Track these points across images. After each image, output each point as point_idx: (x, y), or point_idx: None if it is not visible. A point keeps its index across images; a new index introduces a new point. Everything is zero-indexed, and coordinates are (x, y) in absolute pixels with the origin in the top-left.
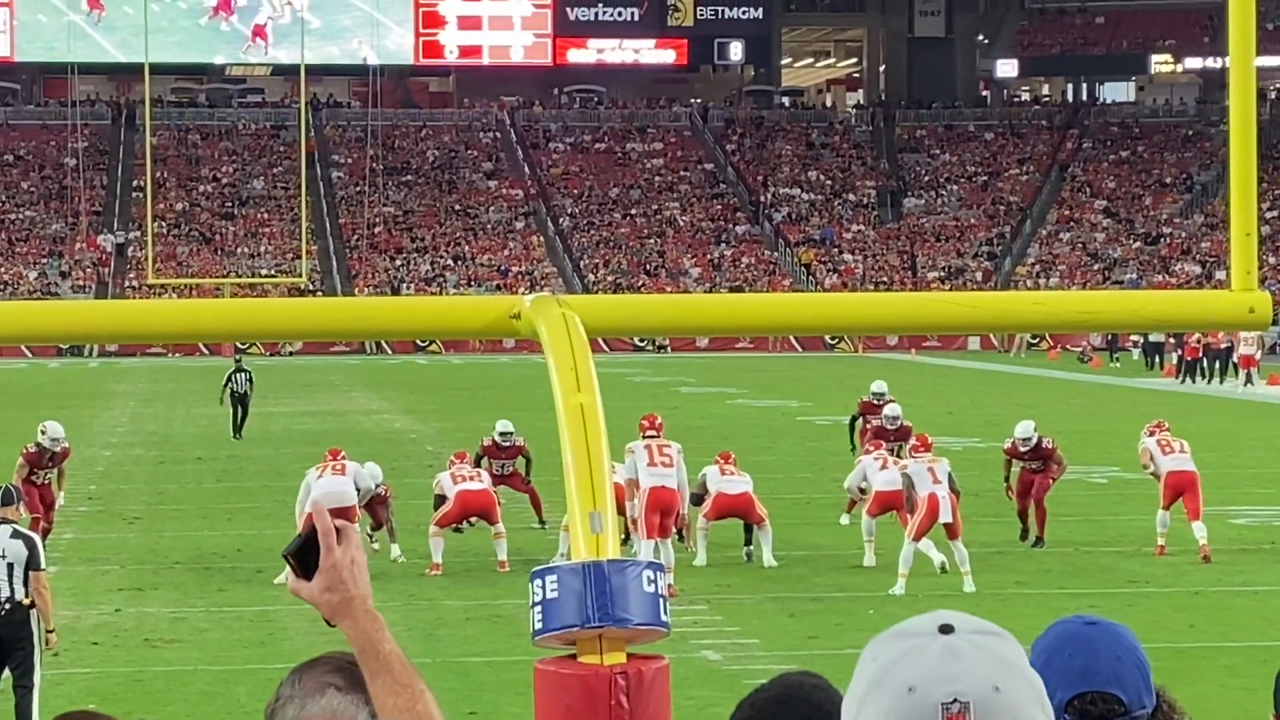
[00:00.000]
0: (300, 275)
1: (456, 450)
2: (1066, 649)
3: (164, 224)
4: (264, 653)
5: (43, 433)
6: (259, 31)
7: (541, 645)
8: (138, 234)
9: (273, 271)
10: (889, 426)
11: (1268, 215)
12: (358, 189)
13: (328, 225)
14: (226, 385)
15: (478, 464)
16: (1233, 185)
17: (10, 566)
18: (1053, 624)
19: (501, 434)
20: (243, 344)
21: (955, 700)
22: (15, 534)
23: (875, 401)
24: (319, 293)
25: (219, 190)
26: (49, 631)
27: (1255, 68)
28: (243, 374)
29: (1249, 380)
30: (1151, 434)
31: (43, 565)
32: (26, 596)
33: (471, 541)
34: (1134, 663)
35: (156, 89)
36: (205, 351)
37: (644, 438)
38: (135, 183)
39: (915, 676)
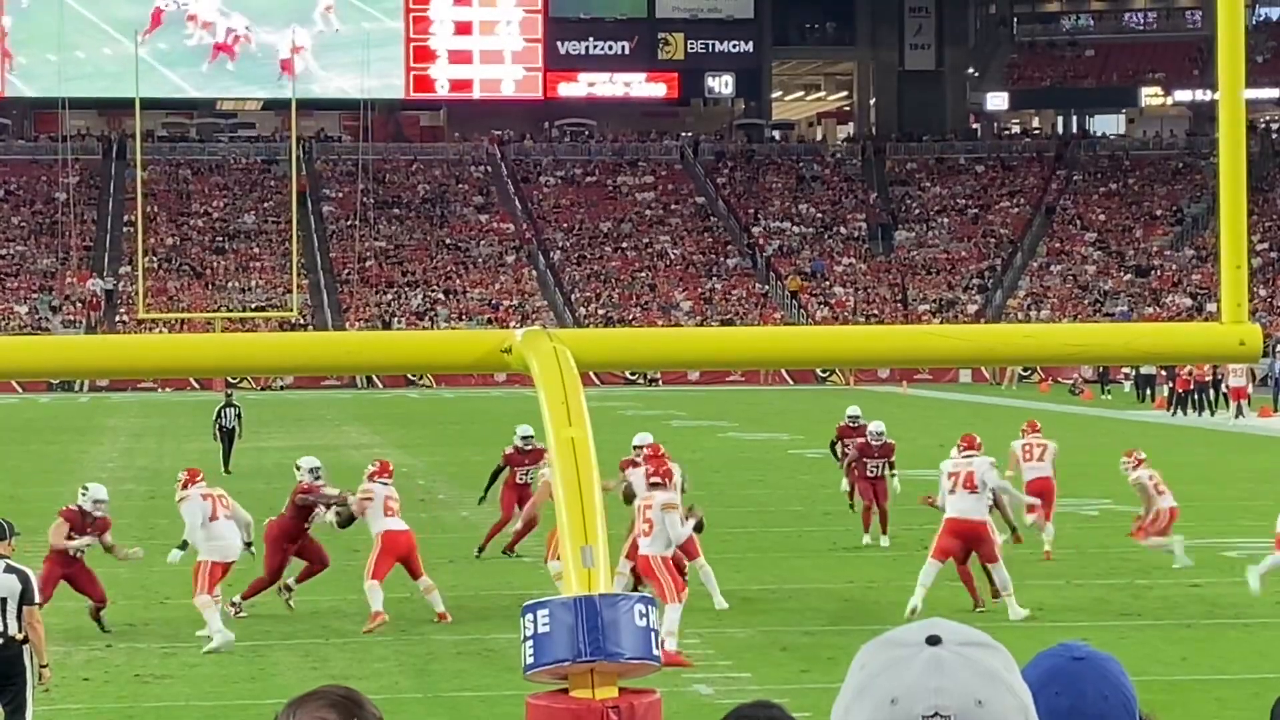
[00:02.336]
0: (291, 309)
1: (380, 459)
2: (1053, 686)
3: (155, 258)
4: (255, 688)
5: (84, 492)
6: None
7: (533, 680)
8: (129, 273)
9: (264, 306)
10: (873, 443)
11: (1258, 248)
12: (349, 223)
13: (319, 259)
14: (217, 420)
15: (495, 475)
16: (1223, 219)
17: (4, 601)
18: (1040, 655)
19: (523, 438)
20: (233, 378)
21: (936, 713)
22: (9, 569)
23: (851, 425)
24: (310, 327)
25: (210, 225)
26: (42, 666)
27: (1245, 100)
28: (231, 409)
29: (1240, 412)
30: (1022, 435)
31: (36, 600)
32: (20, 631)
33: (461, 575)
34: (1120, 701)
35: (147, 123)
36: (196, 386)
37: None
38: (126, 217)
39: (899, 687)
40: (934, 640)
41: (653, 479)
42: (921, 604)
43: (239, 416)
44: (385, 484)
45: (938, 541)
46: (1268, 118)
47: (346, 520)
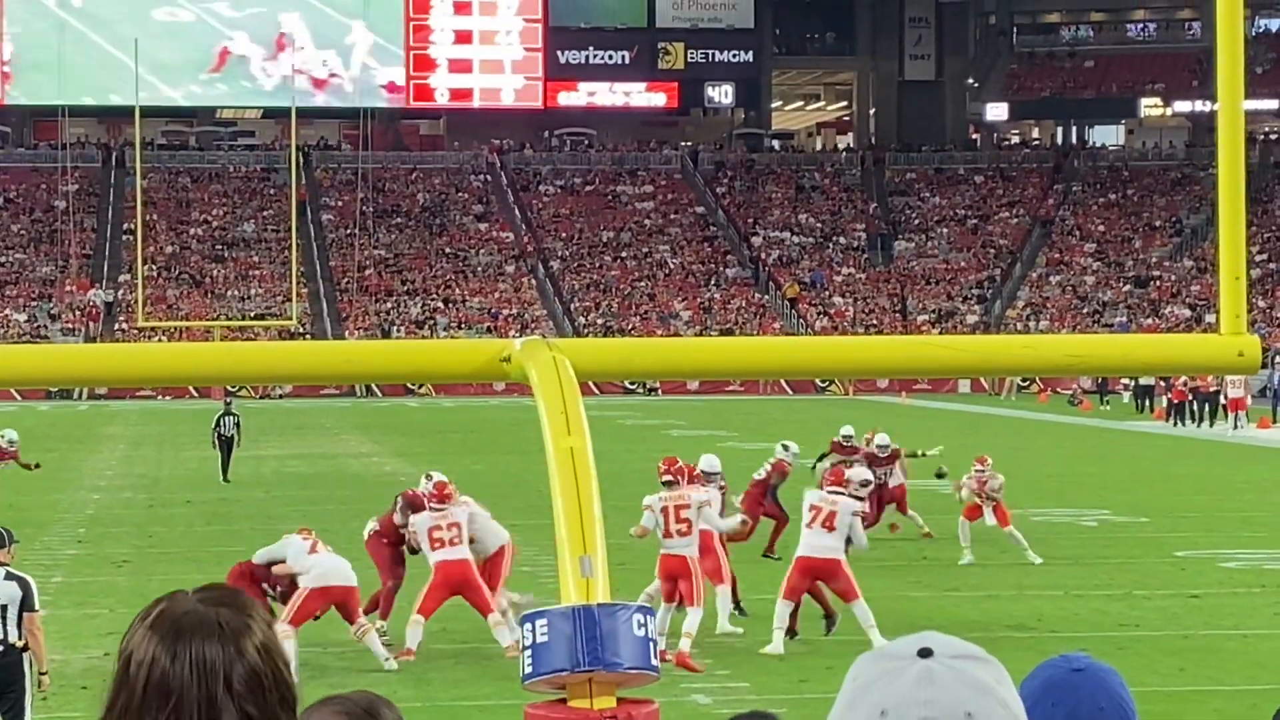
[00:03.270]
0: (290, 318)
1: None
2: (1050, 697)
3: (154, 267)
4: None
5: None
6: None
7: (532, 689)
8: (128, 281)
9: (263, 314)
10: (880, 455)
11: (1257, 259)
12: (348, 232)
13: (318, 268)
14: (215, 428)
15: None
16: (1222, 230)
17: (4, 608)
18: (1040, 665)
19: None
20: (232, 387)
21: None
22: (9, 576)
23: (844, 443)
24: (309, 336)
25: (209, 233)
26: (42, 674)
27: (1244, 111)
28: (230, 417)
29: (1238, 424)
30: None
31: (37, 607)
32: (20, 639)
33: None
34: (1117, 713)
35: (147, 132)
36: (195, 394)
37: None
38: (125, 226)
39: (889, 700)
40: (926, 653)
41: (665, 478)
42: (783, 648)
43: (238, 425)
44: (439, 509)
45: (786, 581)
46: (1267, 129)
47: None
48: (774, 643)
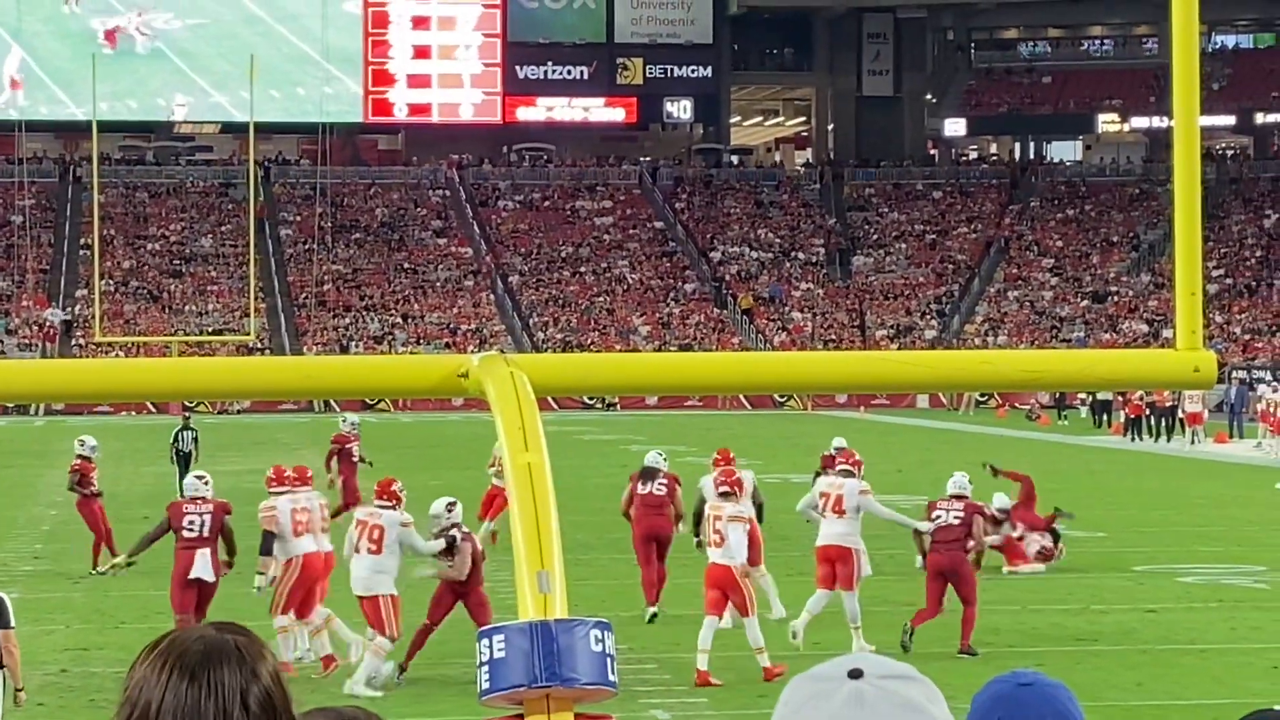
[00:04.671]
0: (248, 333)
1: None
2: (997, 710)
3: (111, 282)
4: None
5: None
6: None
7: (489, 705)
8: (85, 297)
9: (221, 330)
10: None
11: (1214, 274)
12: (306, 247)
13: (276, 283)
14: (174, 444)
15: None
16: (1178, 245)
17: None
18: (989, 681)
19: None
20: (190, 402)
21: None
22: None
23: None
24: (267, 351)
25: (167, 248)
26: (18, 690)
27: (1200, 127)
28: (189, 432)
29: (1195, 438)
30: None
31: (12, 624)
32: None
33: (417, 601)
34: None
35: (104, 146)
36: (153, 410)
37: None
38: (83, 240)
39: None
40: (856, 674)
41: (722, 488)
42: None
43: (196, 440)
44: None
45: (817, 572)
46: (1224, 145)
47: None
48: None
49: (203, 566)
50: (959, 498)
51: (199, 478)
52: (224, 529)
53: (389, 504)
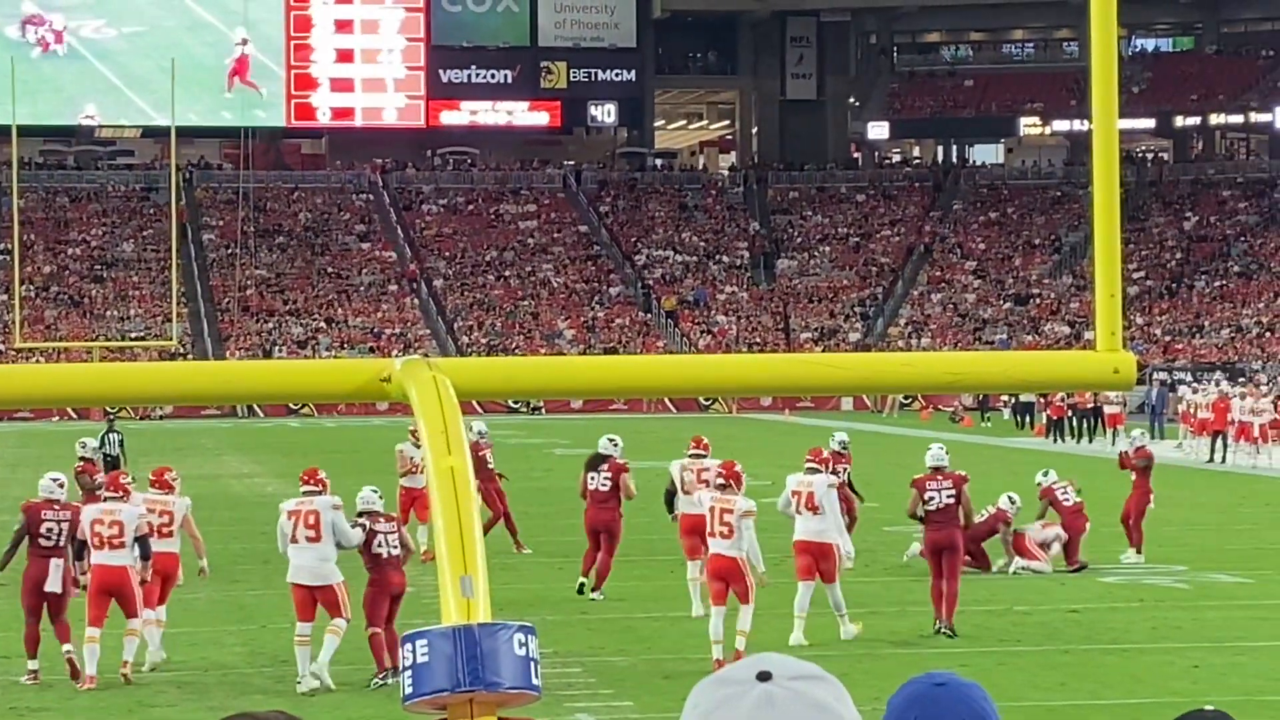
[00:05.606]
0: (171, 339)
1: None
2: (912, 711)
3: (32, 287)
4: None
5: None
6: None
7: (412, 710)
8: (5, 303)
9: (143, 335)
10: (841, 451)
11: (1134, 276)
12: (229, 251)
13: (199, 288)
14: (100, 447)
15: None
16: (1097, 248)
17: None
18: (905, 683)
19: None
20: (112, 408)
21: None
22: None
23: (841, 452)
24: (189, 356)
25: (88, 253)
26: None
27: (1119, 130)
28: (114, 435)
29: (1117, 439)
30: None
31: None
32: None
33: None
34: None
35: (24, 151)
36: (74, 415)
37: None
38: (2, 246)
39: None
40: (764, 676)
41: (720, 480)
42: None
43: (122, 444)
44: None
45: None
46: (1144, 148)
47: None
48: (794, 632)
49: (55, 579)
50: (943, 471)
51: (54, 479)
52: (74, 536)
53: (317, 489)
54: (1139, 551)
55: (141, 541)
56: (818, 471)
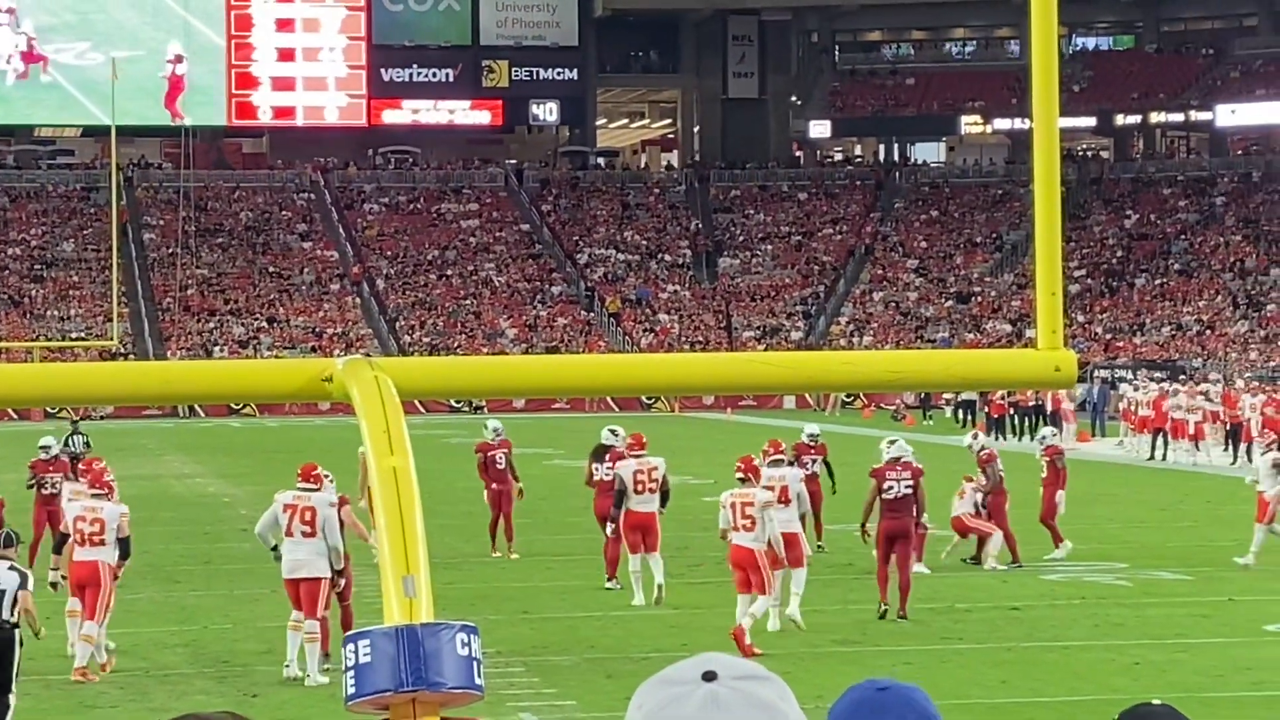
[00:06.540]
0: (111, 338)
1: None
2: (859, 716)
3: None
4: None
5: None
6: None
7: (355, 710)
8: None
9: (83, 335)
10: (809, 443)
11: (1075, 274)
12: (170, 251)
13: (139, 288)
14: (66, 448)
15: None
16: (1038, 245)
17: (3, 593)
18: (847, 689)
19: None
20: (52, 408)
21: None
22: (11, 568)
23: (810, 444)
24: (130, 356)
25: (28, 253)
26: (37, 632)
27: (1060, 129)
28: (79, 437)
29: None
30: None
31: (30, 587)
32: (14, 616)
33: (283, 606)
34: None
35: None
36: (14, 416)
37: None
38: None
39: None
40: (710, 676)
41: (739, 476)
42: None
43: (87, 444)
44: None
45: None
46: (1084, 146)
47: None
48: (771, 619)
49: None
50: (903, 464)
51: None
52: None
53: (314, 486)
54: (1057, 545)
55: (122, 542)
56: (781, 464)
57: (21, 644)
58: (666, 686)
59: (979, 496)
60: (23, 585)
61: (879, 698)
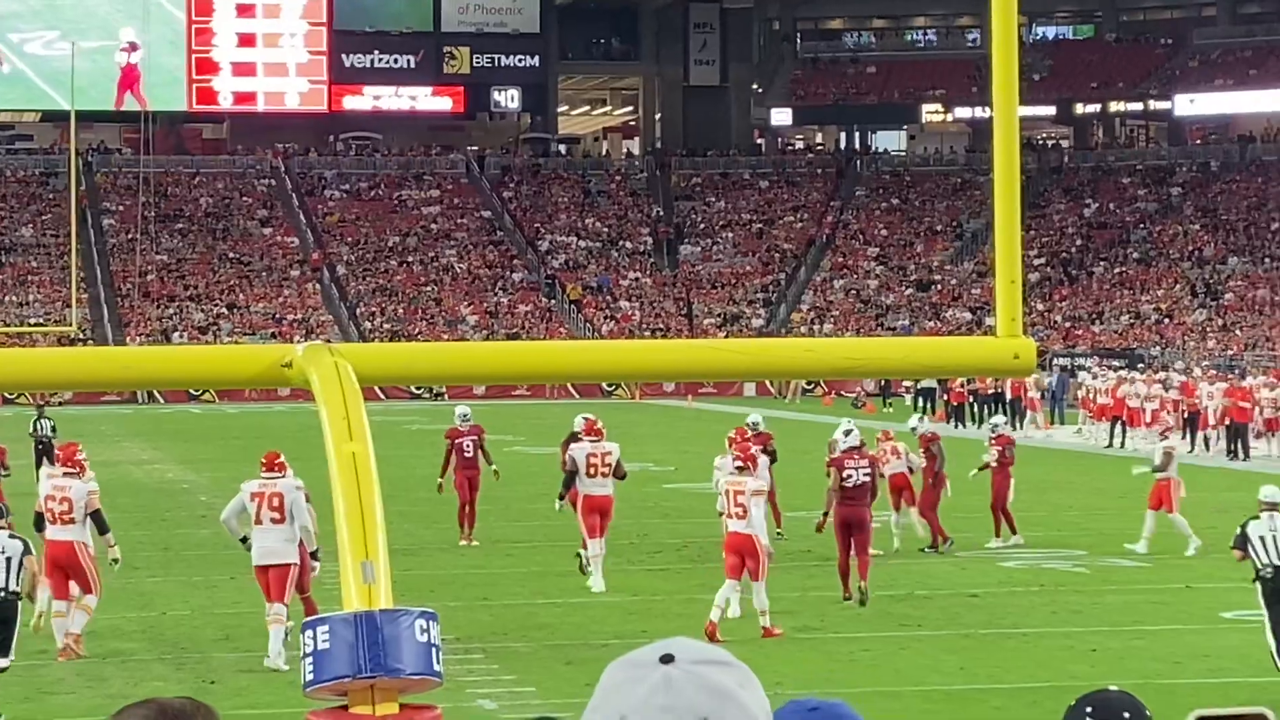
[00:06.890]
0: (70, 324)
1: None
2: None
3: None
4: (31, 708)
5: None
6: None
7: (313, 697)
8: None
9: (42, 320)
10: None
11: (1035, 263)
12: (129, 237)
13: (99, 273)
14: (33, 433)
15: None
16: (998, 234)
17: (8, 560)
18: (780, 708)
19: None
20: (10, 394)
21: None
22: (11, 535)
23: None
24: (89, 342)
25: None
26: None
27: (1020, 117)
28: (45, 421)
29: (1022, 423)
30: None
31: (32, 552)
32: (18, 584)
33: (244, 592)
34: None
35: None
36: None
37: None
38: None
39: (628, 706)
40: (667, 659)
41: (738, 463)
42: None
43: (54, 429)
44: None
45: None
46: (1044, 135)
47: None
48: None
49: None
50: (860, 452)
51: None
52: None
53: (279, 474)
54: (1007, 534)
55: (95, 516)
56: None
57: (23, 614)
58: (628, 668)
59: (910, 456)
60: (27, 551)
61: (811, 718)
